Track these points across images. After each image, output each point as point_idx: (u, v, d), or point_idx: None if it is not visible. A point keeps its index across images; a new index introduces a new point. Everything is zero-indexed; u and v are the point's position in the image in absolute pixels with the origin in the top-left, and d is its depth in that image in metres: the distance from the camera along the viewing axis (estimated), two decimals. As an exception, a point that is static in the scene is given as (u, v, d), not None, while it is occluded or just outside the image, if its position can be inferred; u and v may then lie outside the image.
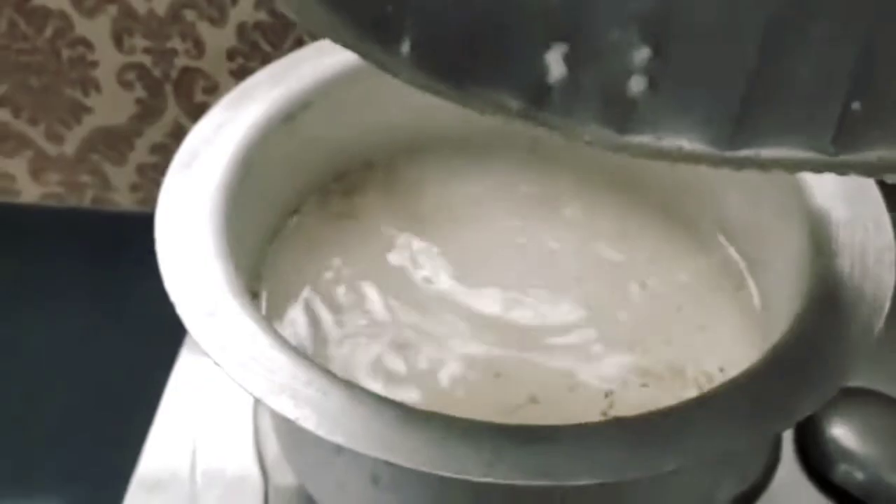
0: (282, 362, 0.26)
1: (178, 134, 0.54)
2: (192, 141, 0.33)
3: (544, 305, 0.34)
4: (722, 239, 0.37)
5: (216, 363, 0.26)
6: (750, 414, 0.25)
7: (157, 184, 0.32)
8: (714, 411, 0.25)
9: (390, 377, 0.32)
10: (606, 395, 0.31)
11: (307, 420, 0.24)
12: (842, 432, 0.36)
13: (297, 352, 0.26)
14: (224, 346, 0.26)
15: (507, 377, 0.32)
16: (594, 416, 0.30)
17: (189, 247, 0.29)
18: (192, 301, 0.27)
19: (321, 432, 0.24)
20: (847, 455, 0.35)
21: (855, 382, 0.36)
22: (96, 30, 0.50)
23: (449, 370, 0.32)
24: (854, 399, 0.37)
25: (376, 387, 0.31)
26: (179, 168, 0.32)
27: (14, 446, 0.48)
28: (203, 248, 0.29)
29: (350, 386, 0.25)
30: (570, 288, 0.35)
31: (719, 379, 0.32)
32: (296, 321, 0.34)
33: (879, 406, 0.37)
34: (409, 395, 0.31)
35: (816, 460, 0.36)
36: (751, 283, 0.35)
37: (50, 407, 0.50)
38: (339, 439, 0.24)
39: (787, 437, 0.37)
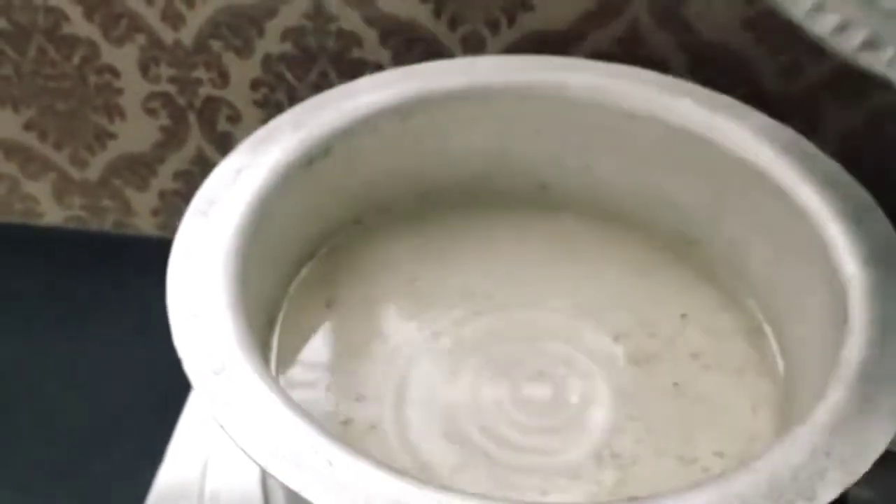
0: (288, 427, 0.25)
1: (201, 162, 0.54)
2: (211, 185, 0.33)
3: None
4: (747, 297, 0.36)
5: (220, 426, 0.25)
6: (769, 498, 0.24)
7: (177, 210, 0.31)
8: (731, 494, 0.25)
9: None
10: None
11: (310, 491, 0.24)
12: (869, 496, 0.35)
13: (306, 415, 0.26)
14: (229, 406, 0.26)
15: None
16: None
17: (201, 299, 0.29)
18: (199, 357, 0.27)
19: (323, 505, 0.23)
20: (873, 521, 0.35)
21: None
22: (123, 58, 0.50)
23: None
24: (882, 462, 0.36)
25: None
26: (196, 214, 0.32)
27: (28, 463, 0.48)
28: (215, 299, 0.29)
29: (357, 456, 0.25)
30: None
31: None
32: (308, 371, 0.33)
33: (907, 471, 0.36)
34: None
35: (841, 527, 0.35)
36: (774, 347, 0.34)
37: (65, 427, 0.50)
38: (341, 514, 0.23)
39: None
